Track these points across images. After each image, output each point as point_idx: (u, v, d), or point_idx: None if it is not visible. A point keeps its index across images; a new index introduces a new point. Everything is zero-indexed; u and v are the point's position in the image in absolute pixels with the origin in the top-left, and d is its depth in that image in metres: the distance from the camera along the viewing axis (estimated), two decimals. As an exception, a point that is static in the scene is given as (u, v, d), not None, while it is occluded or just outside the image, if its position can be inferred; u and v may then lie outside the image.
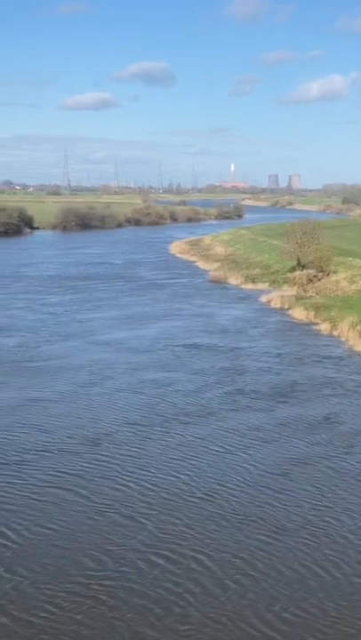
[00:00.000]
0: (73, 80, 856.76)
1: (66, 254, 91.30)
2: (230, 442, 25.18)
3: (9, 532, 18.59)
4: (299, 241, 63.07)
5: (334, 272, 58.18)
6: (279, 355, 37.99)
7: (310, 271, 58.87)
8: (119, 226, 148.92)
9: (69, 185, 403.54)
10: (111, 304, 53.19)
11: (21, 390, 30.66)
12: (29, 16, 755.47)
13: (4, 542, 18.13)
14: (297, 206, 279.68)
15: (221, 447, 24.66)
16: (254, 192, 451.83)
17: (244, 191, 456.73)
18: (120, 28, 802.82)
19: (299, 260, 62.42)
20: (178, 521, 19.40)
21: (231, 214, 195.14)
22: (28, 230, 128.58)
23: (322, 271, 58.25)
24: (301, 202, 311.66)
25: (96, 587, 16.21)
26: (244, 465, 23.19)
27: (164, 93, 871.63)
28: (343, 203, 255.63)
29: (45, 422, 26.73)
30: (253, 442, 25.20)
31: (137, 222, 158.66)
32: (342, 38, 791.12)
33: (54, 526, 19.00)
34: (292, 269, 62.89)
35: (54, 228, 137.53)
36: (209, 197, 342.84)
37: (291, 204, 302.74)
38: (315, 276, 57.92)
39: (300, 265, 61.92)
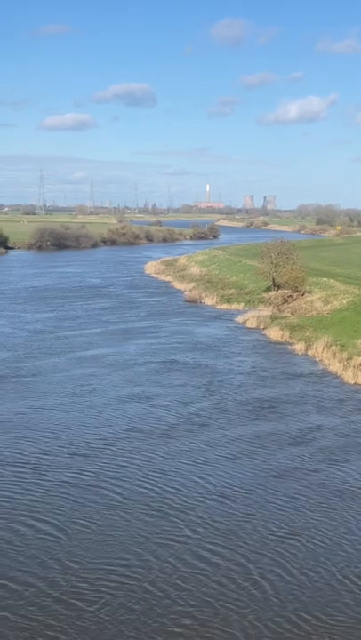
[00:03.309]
0: (53, 100, 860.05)
1: (42, 273, 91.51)
2: (207, 456, 25.72)
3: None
4: (274, 261, 64.02)
5: (309, 292, 59.06)
6: (255, 373, 38.57)
7: (285, 291, 59.71)
8: (94, 246, 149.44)
9: (45, 205, 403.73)
10: (89, 322, 53.60)
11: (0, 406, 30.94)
12: (11, 36, 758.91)
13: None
14: (272, 227, 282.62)
15: (197, 461, 25.19)
16: (230, 212, 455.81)
17: (219, 211, 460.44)
18: (103, 49, 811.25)
19: (274, 280, 63.27)
20: (148, 536, 19.70)
21: (206, 235, 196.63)
22: (2, 250, 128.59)
23: (297, 291, 59.10)
24: (276, 222, 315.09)
25: None
26: (220, 479, 23.67)
27: (145, 114, 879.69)
28: (317, 223, 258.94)
29: (24, 437, 27.07)
30: (230, 456, 25.73)
31: (112, 242, 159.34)
32: (322, 60, 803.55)
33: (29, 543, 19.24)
34: (268, 289, 63.72)
35: (29, 247, 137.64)
36: (185, 218, 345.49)
37: (266, 224, 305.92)
38: (290, 296, 58.73)
39: (276, 285, 62.77)
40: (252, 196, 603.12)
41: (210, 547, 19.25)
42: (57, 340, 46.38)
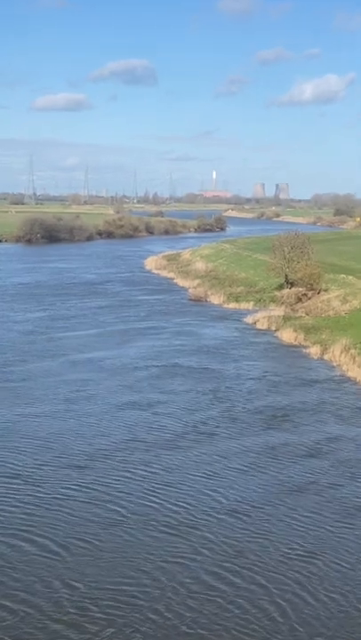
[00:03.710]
0: (45, 79, 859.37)
1: (32, 269, 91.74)
2: (216, 469, 25.91)
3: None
4: (287, 256, 64.12)
5: (326, 290, 59.17)
6: (267, 378, 38.72)
7: (299, 289, 59.84)
8: (89, 238, 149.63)
9: (35, 193, 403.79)
10: (84, 322, 53.82)
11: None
12: (2, 10, 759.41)
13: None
14: (285, 218, 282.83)
15: (206, 474, 25.38)
16: (238, 202, 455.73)
17: (227, 201, 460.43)
18: (100, 23, 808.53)
19: (287, 276, 63.40)
20: (156, 554, 19.88)
21: (213, 226, 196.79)
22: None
23: (312, 289, 59.21)
24: (290, 213, 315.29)
25: None
26: (231, 494, 23.83)
27: (145, 94, 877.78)
28: (335, 214, 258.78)
29: (14, 447, 27.26)
30: (241, 469, 25.91)
31: (109, 235, 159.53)
32: (340, 36, 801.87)
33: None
34: (280, 287, 63.86)
35: (18, 240, 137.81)
36: (188, 208, 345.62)
37: (278, 215, 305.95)
38: (304, 295, 58.86)
39: (289, 282, 62.91)
40: (263, 184, 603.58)
41: (223, 566, 19.37)
42: (49, 341, 46.55)
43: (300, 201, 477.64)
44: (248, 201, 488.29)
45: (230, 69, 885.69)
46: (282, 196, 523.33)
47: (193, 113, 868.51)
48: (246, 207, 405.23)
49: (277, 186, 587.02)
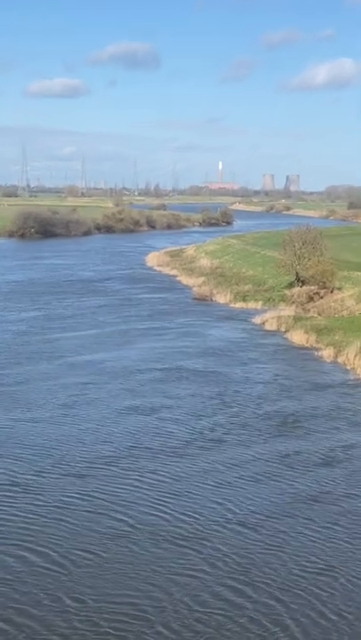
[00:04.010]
0: (40, 63, 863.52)
1: (26, 265, 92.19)
2: (226, 478, 26.13)
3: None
4: (298, 252, 64.27)
5: (339, 289, 59.33)
6: (277, 382, 38.95)
7: (311, 287, 59.95)
8: (87, 233, 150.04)
9: (28, 185, 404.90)
10: (82, 322, 54.16)
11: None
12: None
13: None
14: (296, 211, 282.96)
15: (215, 483, 25.61)
16: (246, 195, 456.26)
17: (233, 194, 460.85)
18: (100, 3, 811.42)
19: (297, 274, 63.55)
20: (160, 570, 20.07)
21: (218, 221, 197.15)
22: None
23: (324, 287, 59.34)
24: (301, 206, 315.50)
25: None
26: (242, 504, 24.05)
27: (146, 78, 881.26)
28: (349, 208, 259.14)
29: (10, 455, 27.53)
30: (252, 478, 26.15)
31: (108, 229, 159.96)
32: (355, 16, 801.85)
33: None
34: (290, 285, 64.01)
35: (10, 235, 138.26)
36: (193, 201, 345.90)
37: (288, 208, 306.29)
38: (316, 294, 58.97)
39: (300, 280, 63.04)
40: (273, 175, 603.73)
41: (231, 583, 19.48)
42: (45, 342, 46.81)
43: (311, 193, 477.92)
44: (256, 193, 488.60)
45: (237, 52, 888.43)
46: (292, 188, 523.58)
47: (197, 99, 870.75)
48: (254, 200, 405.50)
49: (288, 177, 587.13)
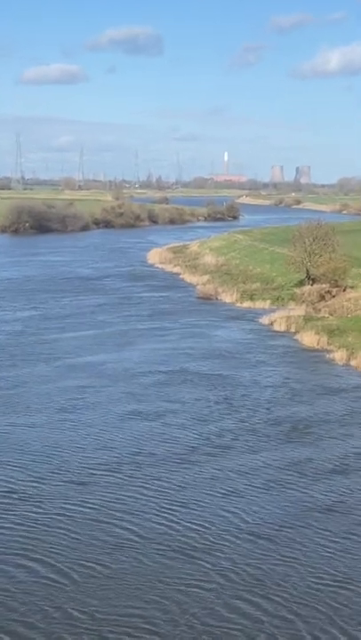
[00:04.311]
0: (36, 48, 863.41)
1: (20, 262, 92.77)
2: (234, 487, 26.53)
3: None
4: (308, 248, 64.58)
5: (353, 287, 59.60)
6: (286, 386, 39.37)
7: (322, 286, 60.20)
8: (85, 228, 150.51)
9: (23, 177, 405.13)
10: (80, 322, 54.68)
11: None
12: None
13: None
14: (306, 205, 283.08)
15: (223, 493, 26.00)
16: (253, 187, 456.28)
17: (240, 186, 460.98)
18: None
19: (308, 272, 63.84)
20: (170, 583, 20.45)
21: (224, 215, 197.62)
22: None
23: (337, 286, 59.62)
24: (312, 200, 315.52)
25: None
26: (251, 515, 24.43)
27: (148, 64, 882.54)
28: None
29: (7, 461, 28.01)
30: (261, 487, 26.56)
31: (107, 224, 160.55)
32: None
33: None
34: (300, 283, 64.32)
35: (4, 230, 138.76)
36: (197, 194, 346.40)
37: (299, 202, 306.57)
38: (328, 292, 59.22)
39: (310, 278, 63.31)
40: (282, 166, 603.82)
41: (245, 596, 19.72)
42: (41, 343, 47.33)
43: (323, 186, 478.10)
44: (265, 186, 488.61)
45: (244, 37, 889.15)
46: (303, 181, 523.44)
47: (202, 86, 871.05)
48: (263, 193, 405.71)
49: (298, 169, 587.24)
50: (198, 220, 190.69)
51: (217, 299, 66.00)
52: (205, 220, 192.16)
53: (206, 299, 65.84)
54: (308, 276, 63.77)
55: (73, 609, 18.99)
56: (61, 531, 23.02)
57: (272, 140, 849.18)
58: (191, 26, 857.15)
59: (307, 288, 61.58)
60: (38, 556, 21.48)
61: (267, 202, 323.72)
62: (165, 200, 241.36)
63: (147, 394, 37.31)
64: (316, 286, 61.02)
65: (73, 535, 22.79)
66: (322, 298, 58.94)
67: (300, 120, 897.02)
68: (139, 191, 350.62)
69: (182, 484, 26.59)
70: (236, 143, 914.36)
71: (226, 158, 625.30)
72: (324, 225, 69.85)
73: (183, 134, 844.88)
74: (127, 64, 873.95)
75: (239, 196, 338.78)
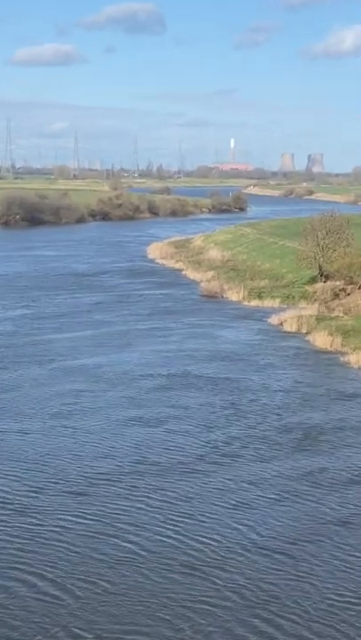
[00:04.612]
0: (28, 26, 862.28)
1: (11, 257, 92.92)
2: (244, 498, 26.56)
3: None
4: (321, 243, 64.57)
5: (368, 284, 59.48)
6: (297, 391, 39.36)
7: (336, 283, 60.23)
8: (80, 221, 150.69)
9: (13, 166, 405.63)
10: (76, 321, 54.77)
11: None
12: None
13: None
14: (319, 196, 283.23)
15: (233, 504, 26.02)
16: (262, 177, 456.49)
17: (247, 175, 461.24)
18: None
19: (321, 267, 63.86)
20: (179, 599, 20.42)
21: (231, 206, 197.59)
22: None
23: (351, 283, 59.61)
24: (325, 190, 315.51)
25: None
26: (263, 528, 24.44)
27: (149, 44, 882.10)
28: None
29: (3, 469, 28.11)
30: (274, 498, 26.58)
31: (104, 216, 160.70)
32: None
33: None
34: (312, 281, 64.31)
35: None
36: (201, 184, 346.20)
37: (311, 193, 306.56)
38: (342, 290, 59.20)
39: (323, 275, 63.32)
40: (292, 154, 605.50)
41: (262, 614, 19.75)
42: (34, 345, 47.35)
43: (337, 175, 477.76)
44: (274, 175, 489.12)
45: (253, 15, 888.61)
46: (315, 170, 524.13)
47: (207, 68, 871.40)
48: (272, 183, 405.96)
49: (310, 157, 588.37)
50: (202, 212, 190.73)
51: (222, 297, 66.01)
52: (210, 211, 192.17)
53: (211, 297, 65.85)
54: (321, 273, 63.78)
55: (77, 627, 19.03)
56: (61, 544, 23.08)
57: (282, 126, 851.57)
58: (195, 3, 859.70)
59: (319, 285, 61.60)
60: (37, 571, 21.57)
61: (276, 192, 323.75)
62: (167, 190, 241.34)
63: (148, 399, 37.33)
64: (329, 283, 61.04)
65: (74, 549, 22.86)
66: (336, 296, 58.90)
67: (313, 104, 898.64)
68: (138, 181, 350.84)
69: (189, 495, 26.65)
70: (243, 129, 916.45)
71: (232, 145, 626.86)
72: (339, 217, 69.90)
73: (186, 120, 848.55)
74: (126, 44, 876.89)
75: (246, 186, 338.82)
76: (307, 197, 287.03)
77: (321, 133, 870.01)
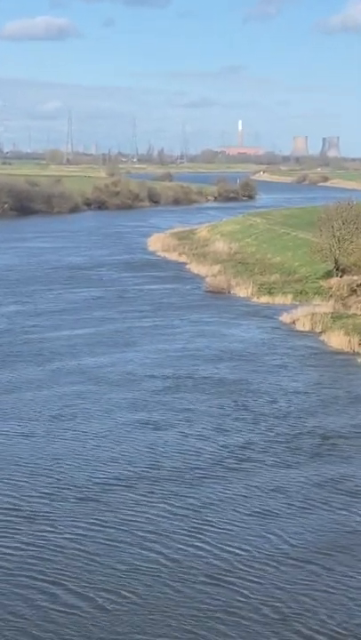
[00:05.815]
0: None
1: (1, 249, 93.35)
2: (268, 505, 27.15)
3: None
4: (337, 234, 64.88)
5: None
6: (313, 394, 39.95)
7: (354, 278, 60.54)
8: (74, 210, 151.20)
9: (1, 150, 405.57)
10: (73, 319, 55.46)
11: None
12: None
13: None
14: (334, 182, 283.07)
15: (256, 512, 26.65)
16: (272, 162, 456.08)
17: (257, 160, 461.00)
18: None
19: (337, 261, 64.27)
20: (204, 608, 21.06)
21: (238, 194, 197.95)
22: None
23: (370, 278, 59.95)
24: (341, 176, 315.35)
25: None
26: (290, 537, 25.05)
27: (150, 17, 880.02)
28: None
29: (8, 474, 28.89)
30: (299, 506, 27.21)
31: (100, 205, 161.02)
32: None
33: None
34: (327, 275, 64.68)
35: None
36: (206, 169, 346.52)
37: (326, 179, 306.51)
38: (360, 286, 59.44)
39: (339, 269, 63.67)
40: (306, 137, 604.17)
41: (296, 627, 20.19)
42: (28, 343, 48.06)
43: (354, 160, 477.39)
44: (285, 160, 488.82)
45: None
46: (330, 154, 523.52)
47: (214, 43, 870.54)
48: (283, 168, 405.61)
49: (325, 140, 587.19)
50: (207, 201, 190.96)
51: (229, 292, 66.45)
52: (215, 200, 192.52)
53: (217, 292, 66.31)
54: (337, 267, 64.12)
55: (102, 639, 19.59)
56: (81, 553, 23.63)
57: (294, 107, 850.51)
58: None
59: (335, 280, 61.90)
60: (57, 580, 22.11)
61: (288, 179, 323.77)
62: (169, 177, 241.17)
63: (156, 400, 38.00)
64: (345, 278, 61.32)
65: (94, 557, 23.42)
66: (353, 292, 59.06)
67: (328, 83, 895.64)
68: (137, 166, 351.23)
69: (211, 502, 27.26)
70: (252, 110, 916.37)
71: (240, 128, 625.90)
72: (356, 205, 70.10)
73: (190, 100, 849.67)
74: (126, 17, 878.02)
75: (255, 172, 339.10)
76: (321, 184, 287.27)
77: (337, 114, 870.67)
